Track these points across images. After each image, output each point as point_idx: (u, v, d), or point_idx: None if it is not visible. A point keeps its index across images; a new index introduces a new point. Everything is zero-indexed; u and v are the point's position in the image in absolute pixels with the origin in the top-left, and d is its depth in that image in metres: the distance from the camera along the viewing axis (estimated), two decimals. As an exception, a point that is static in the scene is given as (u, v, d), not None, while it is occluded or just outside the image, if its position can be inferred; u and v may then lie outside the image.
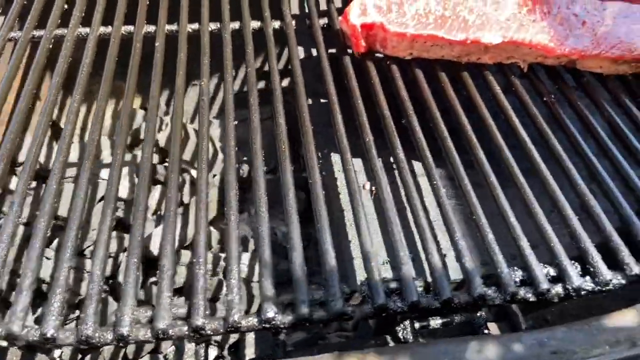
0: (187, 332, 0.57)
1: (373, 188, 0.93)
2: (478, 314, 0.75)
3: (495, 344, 0.55)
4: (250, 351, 1.04)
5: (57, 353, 1.01)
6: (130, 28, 0.98)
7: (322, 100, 1.11)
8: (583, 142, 0.81)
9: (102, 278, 0.59)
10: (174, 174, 0.71)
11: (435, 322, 0.85)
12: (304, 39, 1.12)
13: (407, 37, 0.90)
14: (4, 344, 0.53)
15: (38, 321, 0.97)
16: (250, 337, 1.05)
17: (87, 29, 0.97)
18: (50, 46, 0.94)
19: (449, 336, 0.71)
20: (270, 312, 0.58)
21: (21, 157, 1.13)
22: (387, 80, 0.92)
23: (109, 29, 0.97)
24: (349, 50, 0.96)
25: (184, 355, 1.01)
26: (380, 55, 0.95)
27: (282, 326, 0.58)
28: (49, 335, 0.54)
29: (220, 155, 1.31)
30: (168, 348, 1.03)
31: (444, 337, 0.74)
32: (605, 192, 0.74)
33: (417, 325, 0.83)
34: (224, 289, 1.03)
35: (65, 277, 0.58)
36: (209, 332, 0.57)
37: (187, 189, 1.22)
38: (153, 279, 1.09)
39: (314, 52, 1.18)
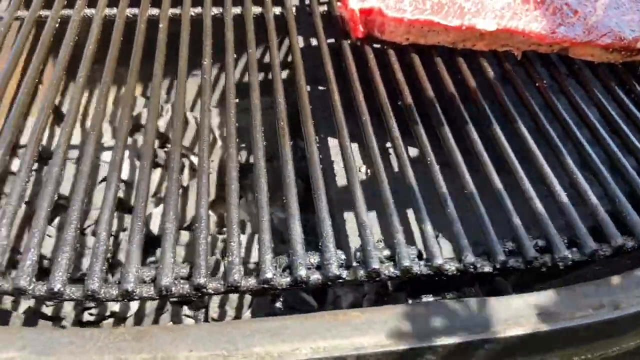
0: (189, 290, 0.59)
1: (367, 170, 0.96)
2: (470, 289, 0.77)
3: (488, 305, 0.58)
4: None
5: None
6: (135, 10, 1.00)
7: (320, 88, 1.14)
8: (575, 127, 0.84)
9: (108, 239, 0.61)
10: (175, 155, 0.73)
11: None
12: (304, 28, 1.14)
13: (405, 22, 0.92)
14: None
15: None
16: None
17: (93, 10, 0.99)
18: (57, 26, 0.97)
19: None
20: (269, 272, 0.60)
21: (23, 140, 1.15)
22: (385, 65, 0.95)
23: (114, 10, 1.00)
24: (348, 36, 0.99)
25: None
26: (378, 41, 0.98)
27: (279, 287, 0.60)
28: (55, 289, 0.56)
29: (219, 142, 1.33)
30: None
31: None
32: (590, 168, 0.76)
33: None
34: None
35: (72, 237, 0.60)
36: (209, 290, 0.59)
37: (186, 173, 1.24)
38: (152, 259, 1.11)
39: (314, 42, 1.20)
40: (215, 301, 1.08)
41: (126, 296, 0.57)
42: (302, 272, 0.61)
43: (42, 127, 0.77)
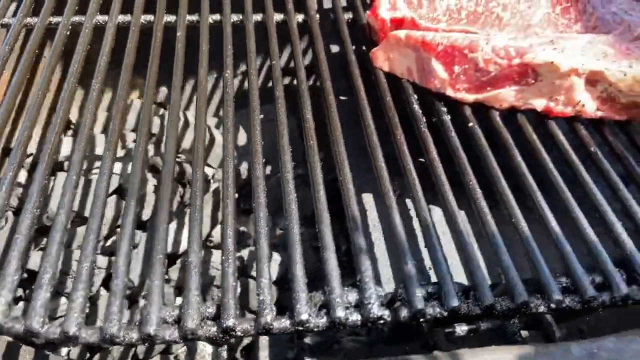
0: (216, 333, 0.53)
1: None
2: (512, 321, 0.72)
3: (545, 354, 0.52)
4: (263, 354, 1.00)
5: (64, 352, 0.97)
6: (150, 17, 0.95)
7: (342, 98, 1.08)
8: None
9: (127, 273, 0.56)
10: (199, 171, 0.68)
11: (461, 329, 0.81)
12: (326, 36, 1.08)
13: (439, 33, 0.87)
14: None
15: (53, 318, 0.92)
16: (264, 339, 1.01)
17: (105, 17, 0.93)
18: (68, 33, 0.91)
19: (478, 344, 0.68)
20: (305, 314, 0.54)
21: (30, 149, 1.09)
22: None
23: (128, 17, 0.94)
24: (375, 46, 0.94)
25: (196, 356, 0.97)
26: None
27: (315, 329, 0.55)
28: (71, 333, 0.51)
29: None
30: (179, 349, 1.00)
31: (474, 345, 0.71)
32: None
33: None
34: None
35: (87, 273, 0.55)
36: (239, 333, 0.53)
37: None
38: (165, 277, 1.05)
39: (334, 49, 1.14)
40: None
41: (148, 340, 0.52)
42: (341, 313, 0.55)
43: (56, 140, 0.72)
